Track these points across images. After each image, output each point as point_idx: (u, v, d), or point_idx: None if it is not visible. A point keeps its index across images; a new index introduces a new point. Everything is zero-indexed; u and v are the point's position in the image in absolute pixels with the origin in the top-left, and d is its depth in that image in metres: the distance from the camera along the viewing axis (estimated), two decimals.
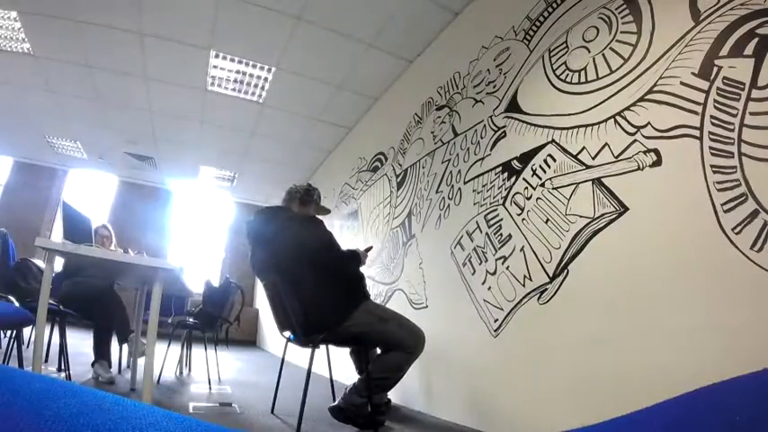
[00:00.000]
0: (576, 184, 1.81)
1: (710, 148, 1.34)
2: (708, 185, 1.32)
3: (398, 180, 3.36)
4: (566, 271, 1.78)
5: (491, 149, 2.36)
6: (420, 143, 3.13)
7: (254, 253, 2.12)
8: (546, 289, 1.85)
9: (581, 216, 1.76)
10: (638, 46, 1.65)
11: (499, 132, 2.32)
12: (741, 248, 1.21)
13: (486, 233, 2.27)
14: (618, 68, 1.71)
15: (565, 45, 2.00)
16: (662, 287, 1.40)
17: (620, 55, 1.71)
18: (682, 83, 1.45)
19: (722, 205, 1.28)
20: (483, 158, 2.41)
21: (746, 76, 1.28)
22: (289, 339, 2.12)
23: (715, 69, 1.37)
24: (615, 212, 1.62)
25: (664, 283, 1.40)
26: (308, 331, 1.90)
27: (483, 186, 2.37)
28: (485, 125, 2.44)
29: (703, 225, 1.31)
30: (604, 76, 1.77)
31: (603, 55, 1.80)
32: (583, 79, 1.87)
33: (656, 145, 1.51)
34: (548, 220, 1.92)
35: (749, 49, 1.29)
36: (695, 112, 1.40)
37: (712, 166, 1.32)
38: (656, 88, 1.54)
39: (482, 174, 2.39)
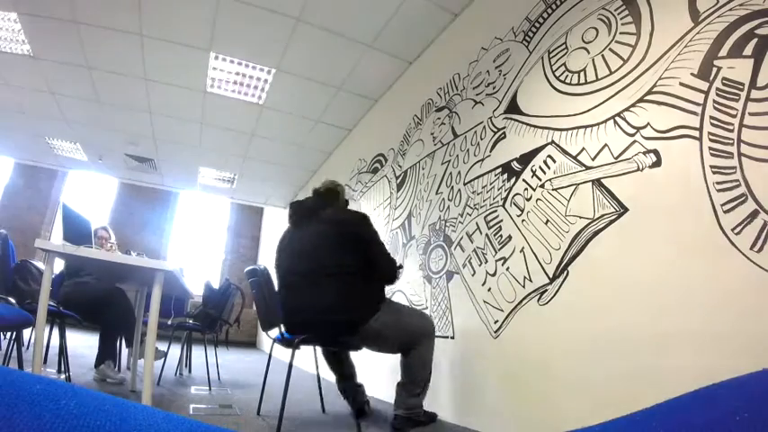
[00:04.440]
0: (576, 185, 1.81)
1: (710, 148, 1.34)
2: (707, 186, 1.32)
3: (398, 181, 3.37)
4: (566, 272, 1.78)
5: (491, 151, 2.36)
6: (420, 144, 3.13)
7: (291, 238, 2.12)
8: (546, 290, 1.85)
9: (581, 217, 1.76)
10: (637, 47, 1.65)
11: (499, 134, 2.32)
12: (741, 249, 1.21)
13: (486, 234, 2.27)
14: (617, 69, 1.71)
15: (564, 46, 2.01)
16: (661, 288, 1.40)
17: (620, 56, 1.72)
18: (681, 83, 1.46)
19: (722, 206, 1.28)
20: (483, 160, 2.41)
21: (746, 76, 1.28)
22: (275, 340, 2.12)
23: (714, 70, 1.37)
24: (615, 213, 1.62)
25: (663, 284, 1.40)
26: (342, 330, 1.88)
27: (483, 188, 2.37)
28: (484, 126, 2.45)
29: (703, 226, 1.31)
30: (604, 77, 1.77)
31: (603, 56, 1.80)
32: (582, 80, 1.88)
33: (656, 146, 1.51)
34: (547, 221, 1.92)
35: (748, 50, 1.29)
36: (695, 113, 1.40)
37: (712, 167, 1.32)
38: (655, 89, 1.54)
39: (482, 175, 2.39)
